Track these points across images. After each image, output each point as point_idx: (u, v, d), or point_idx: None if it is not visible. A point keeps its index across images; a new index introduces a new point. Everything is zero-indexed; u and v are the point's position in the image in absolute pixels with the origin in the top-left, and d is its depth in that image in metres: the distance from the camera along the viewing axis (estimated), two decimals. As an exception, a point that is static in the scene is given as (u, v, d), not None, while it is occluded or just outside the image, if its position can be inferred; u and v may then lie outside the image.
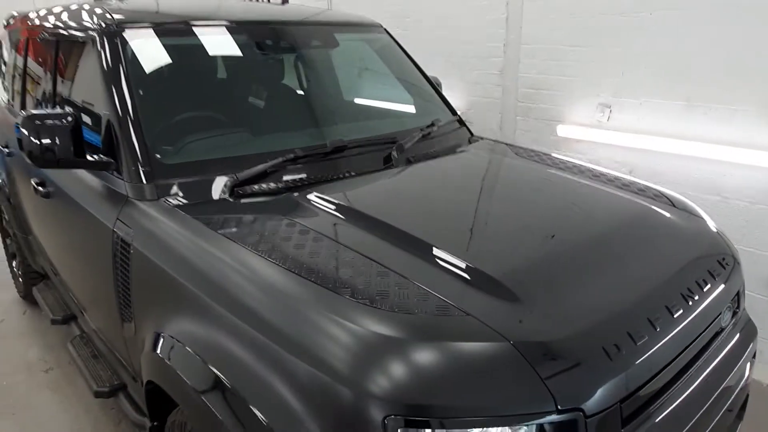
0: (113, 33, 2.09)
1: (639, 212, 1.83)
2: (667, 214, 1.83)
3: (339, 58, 2.73)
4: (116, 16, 2.15)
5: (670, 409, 1.30)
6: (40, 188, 2.47)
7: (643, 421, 1.23)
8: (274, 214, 1.73)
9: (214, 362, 1.33)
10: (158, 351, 1.52)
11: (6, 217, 3.66)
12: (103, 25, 2.12)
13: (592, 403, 1.14)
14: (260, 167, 1.89)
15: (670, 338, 1.33)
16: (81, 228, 2.16)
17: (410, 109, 2.71)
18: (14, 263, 3.87)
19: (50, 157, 1.90)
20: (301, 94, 2.52)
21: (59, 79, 2.55)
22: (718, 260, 1.65)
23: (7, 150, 3.18)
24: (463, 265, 1.38)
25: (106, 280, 1.93)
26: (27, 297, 3.76)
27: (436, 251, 1.46)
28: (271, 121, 2.31)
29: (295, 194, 1.84)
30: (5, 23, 3.90)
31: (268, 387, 1.21)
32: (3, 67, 3.93)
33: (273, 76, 2.51)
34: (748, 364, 1.64)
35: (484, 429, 1.10)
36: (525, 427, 1.11)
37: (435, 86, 2.85)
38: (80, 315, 2.72)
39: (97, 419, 2.68)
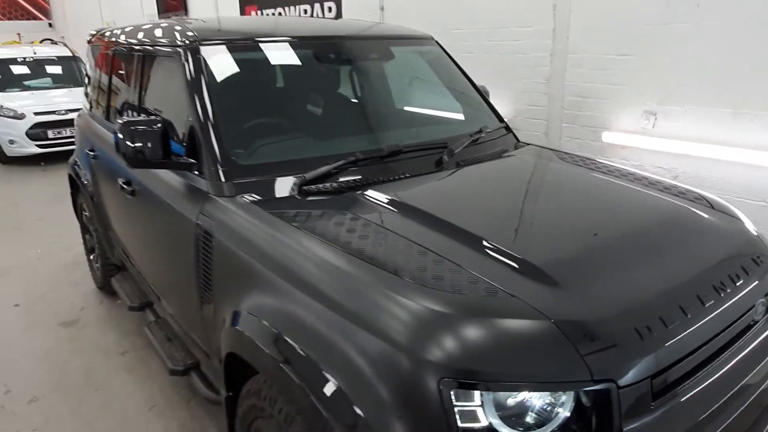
0: (195, 48, 2.36)
1: (677, 211, 1.94)
2: (705, 215, 1.93)
3: (393, 69, 2.93)
4: (198, 34, 2.42)
5: (697, 390, 1.42)
6: (126, 187, 2.77)
7: (671, 398, 1.36)
8: (339, 209, 1.93)
9: (289, 334, 1.54)
10: (238, 326, 1.74)
11: (87, 214, 4.03)
12: (187, 41, 2.39)
13: (624, 377, 1.28)
14: (325, 168, 2.10)
15: (700, 325, 1.45)
16: (164, 221, 2.43)
17: (459, 116, 2.88)
18: (92, 257, 4.25)
19: (141, 159, 2.17)
20: (359, 103, 2.74)
21: (142, 89, 2.85)
22: (753, 258, 1.74)
23: (92, 153, 3.53)
24: (509, 254, 1.55)
25: (188, 268, 2.18)
26: (104, 288, 4.13)
27: (485, 243, 1.63)
28: (332, 127, 2.54)
29: (357, 193, 2.04)
30: (89, 39, 4.30)
31: (337, 354, 1.40)
32: (87, 79, 4.34)
33: (333, 86, 2.74)
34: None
35: (526, 393, 1.26)
36: (563, 394, 1.26)
37: (483, 94, 3.01)
38: (156, 301, 3.01)
39: (170, 397, 2.95)
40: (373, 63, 2.87)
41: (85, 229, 4.29)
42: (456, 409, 1.24)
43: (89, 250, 4.31)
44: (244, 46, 2.51)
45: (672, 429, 1.35)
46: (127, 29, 3.37)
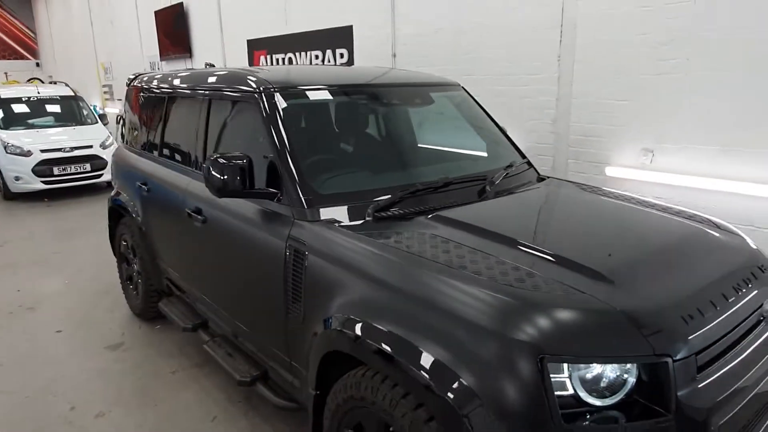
0: (271, 94, 2.73)
1: (693, 230, 2.36)
2: (716, 233, 2.34)
3: (432, 111, 3.34)
4: (273, 81, 2.79)
5: (729, 367, 1.79)
6: (196, 215, 3.07)
7: (709, 373, 1.72)
8: (411, 228, 2.28)
9: (395, 328, 1.86)
10: (340, 327, 2.05)
11: (127, 244, 4.28)
12: (263, 88, 2.76)
13: (676, 352, 1.64)
14: (394, 197, 2.47)
15: (725, 316, 1.83)
16: (243, 244, 2.73)
17: (489, 152, 3.28)
18: (130, 285, 4.47)
19: (228, 189, 2.51)
20: (407, 141, 3.14)
21: (209, 129, 3.19)
22: (758, 266, 2.15)
23: (145, 187, 3.82)
24: (572, 262, 1.92)
25: (272, 284, 2.49)
26: (142, 314, 4.34)
27: (547, 254, 2.00)
28: (388, 162, 2.92)
29: (422, 217, 2.40)
30: (128, 81, 4.64)
31: (445, 341, 1.73)
32: (123, 118, 4.66)
33: (386, 125, 3.13)
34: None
35: (603, 365, 1.61)
36: (632, 366, 1.62)
37: (506, 133, 3.44)
38: (214, 321, 3.28)
39: (228, 410, 3.19)
40: (417, 107, 3.28)
41: (122, 259, 4.52)
42: (551, 380, 1.58)
43: (126, 279, 4.53)
44: (320, 91, 2.90)
45: (710, 397, 1.70)
46: (182, 74, 3.73)
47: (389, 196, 2.47)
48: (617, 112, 3.89)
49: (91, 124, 9.80)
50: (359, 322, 1.98)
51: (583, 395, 1.62)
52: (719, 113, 3.40)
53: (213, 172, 2.52)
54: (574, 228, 2.40)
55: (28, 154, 8.53)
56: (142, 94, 4.25)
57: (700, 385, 1.68)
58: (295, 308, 2.39)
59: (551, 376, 1.59)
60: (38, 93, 9.84)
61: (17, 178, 8.56)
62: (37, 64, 20.15)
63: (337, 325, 2.08)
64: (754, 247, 2.35)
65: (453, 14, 4.86)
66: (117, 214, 4.48)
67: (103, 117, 10.57)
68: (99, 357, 3.86)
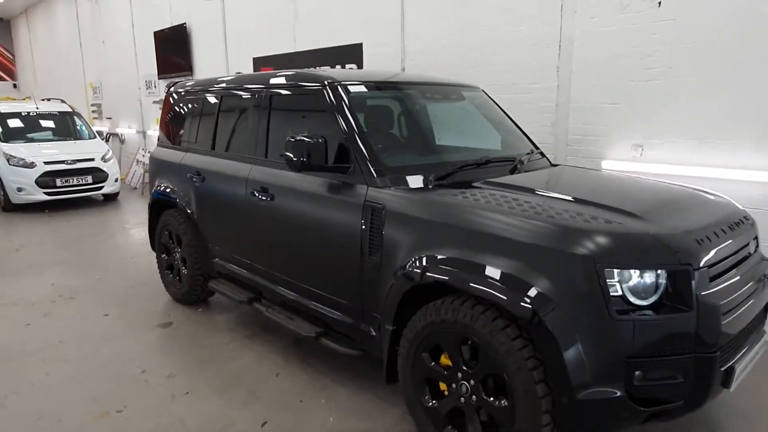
0: (336, 87, 3.24)
1: (693, 192, 2.95)
2: (710, 196, 2.94)
3: (462, 105, 3.90)
4: (337, 77, 3.31)
5: (730, 282, 2.34)
6: (261, 194, 3.52)
7: (718, 282, 2.28)
8: (470, 190, 2.79)
9: (471, 257, 2.36)
10: (423, 265, 2.53)
11: (172, 234, 4.64)
12: (329, 82, 3.27)
13: (695, 263, 2.19)
14: (450, 169, 2.99)
15: (726, 244, 2.40)
16: (316, 211, 3.18)
17: (512, 142, 3.84)
18: (170, 274, 4.81)
19: (307, 165, 2.99)
20: (448, 127, 3.71)
21: (270, 120, 3.65)
22: (743, 217, 2.74)
23: (198, 177, 4.23)
24: (610, 207, 2.47)
25: (347, 242, 2.95)
26: (183, 299, 4.69)
27: (589, 202, 2.54)
28: (435, 144, 3.47)
29: (474, 184, 2.92)
30: (167, 89, 5.06)
31: (515, 262, 2.24)
32: (163, 121, 5.06)
33: (429, 115, 3.69)
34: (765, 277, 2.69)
35: (641, 270, 2.14)
36: (664, 272, 2.15)
37: (521, 129, 4.03)
38: (272, 291, 3.68)
39: (287, 367, 3.58)
40: (453, 101, 3.85)
41: (162, 250, 4.86)
42: (606, 283, 2.11)
43: (166, 268, 4.87)
44: (370, 85, 3.43)
45: (718, 300, 2.24)
46: (235, 77, 4.19)
47: (440, 170, 2.99)
48: (610, 114, 4.53)
49: (90, 138, 10.05)
50: (443, 257, 2.48)
51: (629, 296, 2.15)
52: (697, 112, 4.06)
53: (294, 151, 3.01)
54: (598, 188, 2.97)
55: (31, 165, 8.73)
56: (187, 98, 4.68)
57: (711, 291, 2.23)
58: (371, 259, 2.86)
59: (608, 280, 2.12)
60: (37, 108, 10.05)
61: (20, 189, 8.72)
62: (15, 86, 20.11)
63: (419, 264, 2.56)
64: (739, 206, 2.95)
65: (460, 32, 5.48)
66: (158, 207, 4.86)
67: (100, 133, 10.83)
68: (153, 333, 4.19)
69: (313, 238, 3.25)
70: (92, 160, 9.29)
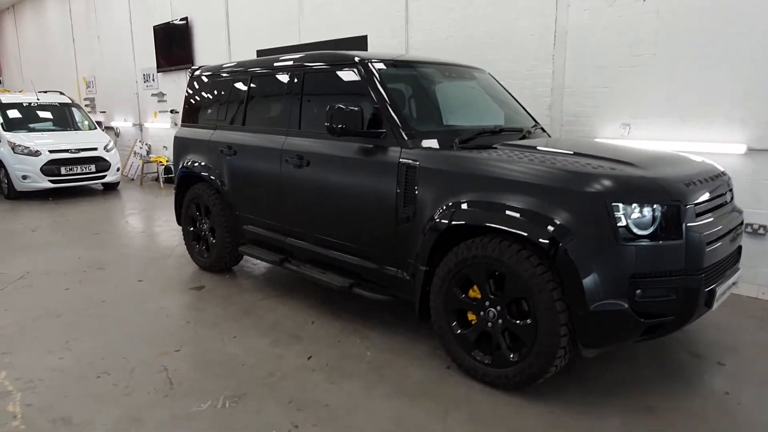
0: (367, 63, 3.67)
1: (676, 153, 3.45)
2: (694, 158, 3.45)
3: (474, 83, 4.36)
4: (367, 56, 3.74)
5: (711, 219, 2.83)
6: (297, 160, 3.92)
7: (702, 219, 2.76)
8: (483, 151, 3.24)
9: (498, 200, 2.81)
10: (450, 209, 2.98)
11: (200, 206, 5.00)
12: (359, 59, 3.70)
13: (684, 201, 2.67)
14: (473, 134, 3.45)
15: (707, 189, 2.89)
16: (353, 172, 3.59)
17: (517, 116, 4.30)
18: (196, 245, 5.17)
19: (346, 131, 3.42)
20: (464, 101, 4.18)
21: (304, 96, 4.06)
22: (720, 172, 3.25)
23: (230, 151, 4.60)
24: (612, 159, 2.94)
25: (383, 197, 3.37)
26: (211, 267, 5.04)
27: (594, 155, 3.01)
28: (456, 114, 3.95)
29: (492, 147, 3.37)
30: (192, 72, 5.41)
31: (537, 201, 2.70)
32: (189, 103, 5.41)
33: (448, 90, 4.16)
34: (741, 225, 3.19)
35: (640, 205, 2.61)
36: (660, 207, 2.63)
37: (523, 107, 4.51)
38: (303, 250, 4.07)
39: (320, 318, 3.98)
40: (466, 80, 4.31)
41: (189, 223, 5.21)
42: (614, 215, 2.58)
43: (192, 240, 5.22)
44: (393, 63, 3.87)
45: (702, 232, 2.71)
46: (266, 58, 4.57)
47: (462, 135, 3.44)
48: (601, 96, 5.04)
49: (91, 129, 10.27)
50: (475, 200, 2.93)
51: (632, 227, 2.62)
52: (678, 94, 4.59)
53: (334, 119, 3.43)
54: (597, 148, 3.44)
55: (36, 154, 8.93)
56: (214, 80, 5.04)
57: (696, 224, 2.72)
58: (406, 210, 3.29)
59: (615, 213, 2.59)
60: (38, 99, 10.24)
61: (25, 177, 8.92)
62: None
63: (452, 210, 3.00)
64: (719, 166, 3.45)
65: (462, 24, 5.95)
66: (185, 183, 5.21)
67: (100, 124, 11.05)
68: (189, 294, 4.55)
69: (349, 197, 3.65)
70: (95, 149, 9.53)
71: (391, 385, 3.04)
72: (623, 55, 4.86)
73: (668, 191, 2.69)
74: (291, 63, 4.24)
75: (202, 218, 5.06)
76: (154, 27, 10.78)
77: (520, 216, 2.76)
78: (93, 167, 9.45)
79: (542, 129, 4.30)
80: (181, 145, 5.37)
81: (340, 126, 3.44)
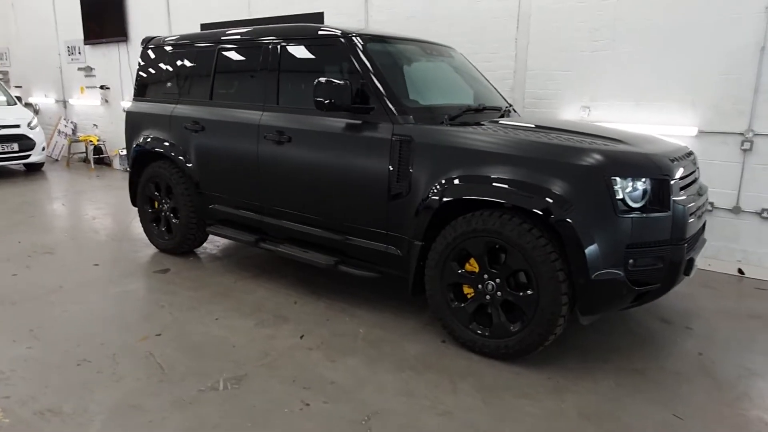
0: (353, 38, 3.60)
1: (652, 134, 3.66)
2: (664, 138, 3.67)
3: (451, 61, 4.39)
4: (349, 30, 3.67)
5: (689, 194, 3.04)
6: (277, 137, 3.80)
7: (684, 193, 2.96)
8: (472, 126, 3.29)
9: (493, 174, 2.88)
10: (448, 184, 3.01)
11: (161, 185, 4.73)
12: (345, 33, 3.63)
13: (671, 176, 2.85)
14: (461, 111, 3.49)
15: (684, 166, 3.10)
16: (341, 147, 3.52)
17: (491, 95, 4.39)
18: (155, 226, 4.90)
19: (334, 106, 3.35)
20: (445, 78, 4.21)
21: (281, 70, 3.93)
22: (690, 151, 3.48)
23: (197, 126, 4.38)
24: (601, 136, 3.08)
25: (374, 173, 3.34)
26: (174, 249, 4.80)
27: (581, 133, 3.14)
28: (441, 91, 3.98)
29: (479, 124, 3.42)
30: (146, 44, 5.08)
31: (536, 173, 2.79)
32: (140, 77, 5.09)
33: (429, 66, 4.16)
34: (706, 200, 3.45)
35: (634, 179, 2.76)
36: (650, 181, 2.79)
37: (494, 87, 4.60)
38: (281, 229, 3.97)
39: (303, 298, 3.90)
40: (445, 58, 4.33)
41: (146, 203, 4.93)
42: (613, 188, 2.70)
43: (151, 221, 4.94)
44: (377, 38, 3.82)
45: (685, 204, 2.89)
46: (236, 30, 4.36)
47: (449, 112, 3.46)
48: (562, 80, 5.23)
49: (11, 105, 9.42)
50: (477, 175, 2.97)
51: (627, 200, 2.76)
52: (634, 79, 4.85)
53: (322, 93, 3.35)
54: (580, 126, 3.58)
55: (-50, 131, 8.10)
56: (173, 52, 4.76)
57: (681, 198, 2.91)
58: (399, 185, 3.28)
59: (613, 187, 2.71)
60: (-54, 71, 9.24)
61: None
62: None
63: (451, 184, 3.03)
64: (689, 147, 3.69)
65: (426, 3, 5.95)
66: (141, 161, 4.92)
67: (19, 99, 10.14)
68: (154, 278, 4.32)
69: (335, 173, 3.58)
70: (18, 126, 8.76)
71: (391, 361, 3.05)
72: (584, 40, 5.07)
73: (659, 166, 2.85)
74: (267, 35, 4.07)
75: (162, 198, 4.80)
76: (80, -5, 9.97)
77: (523, 190, 2.83)
78: (16, 146, 8.68)
79: (514, 109, 4.42)
80: (135, 122, 5.04)
81: (329, 101, 3.36)
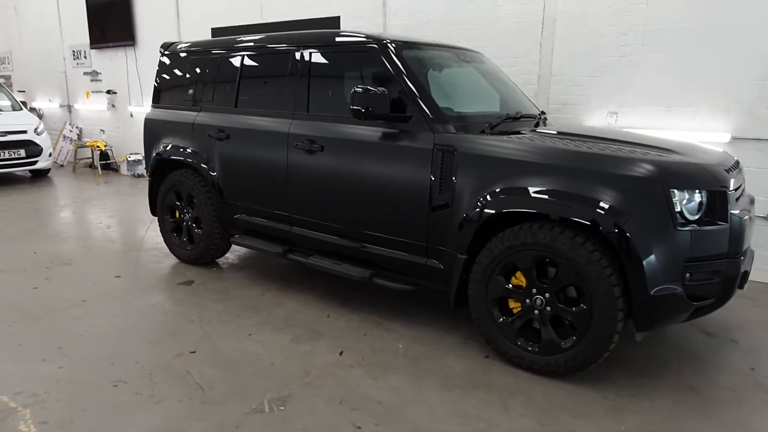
0: (386, 45, 3.51)
1: (698, 143, 3.58)
2: (711, 147, 3.58)
3: (484, 67, 4.30)
4: (383, 36, 3.58)
5: (742, 207, 2.95)
6: (309, 146, 3.69)
7: (739, 205, 2.88)
8: (517, 136, 3.20)
9: (545, 188, 2.78)
10: (497, 196, 2.92)
11: (182, 194, 4.62)
12: (380, 41, 3.53)
13: (729, 187, 2.76)
14: (501, 120, 3.40)
15: (737, 177, 3.02)
16: (377, 156, 3.42)
17: (522, 101, 4.30)
18: (176, 236, 4.79)
19: (372, 114, 3.25)
20: (480, 85, 4.12)
21: (311, 78, 3.83)
22: (737, 161, 3.38)
23: (222, 135, 4.27)
24: (651, 145, 2.99)
25: (415, 183, 3.24)
26: (196, 260, 4.69)
27: (633, 143, 3.05)
28: (478, 98, 3.88)
29: (522, 133, 3.33)
30: (165, 50, 4.98)
31: (593, 185, 2.69)
32: (159, 83, 4.98)
33: (465, 73, 4.07)
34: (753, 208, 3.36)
35: (692, 191, 2.67)
36: (710, 191, 2.70)
37: (522, 92, 4.51)
38: (312, 240, 3.87)
39: (336, 311, 3.80)
40: (479, 64, 4.24)
41: (167, 213, 4.81)
42: (672, 200, 2.61)
43: (171, 231, 4.82)
44: (412, 45, 3.72)
45: (741, 216, 2.82)
46: (265, 37, 4.24)
47: (488, 120, 3.38)
48: (588, 85, 5.15)
49: (17, 110, 9.28)
50: (522, 186, 2.88)
51: (686, 213, 2.67)
52: (664, 84, 4.77)
53: (360, 101, 3.25)
54: (623, 135, 3.49)
55: (-44, 137, 7.96)
56: (194, 59, 4.64)
57: (737, 210, 2.83)
58: (441, 197, 3.18)
59: (673, 199, 2.62)
60: (-49, 76, 9.10)
61: (-58, 164, 7.93)
62: None
63: (501, 195, 2.93)
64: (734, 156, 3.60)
65: (445, 8, 5.86)
66: (162, 169, 4.80)
67: (24, 104, 10.00)
68: (180, 290, 4.20)
69: (372, 183, 3.48)
70: (24, 132, 8.63)
71: (436, 378, 2.95)
72: (612, 45, 4.98)
73: (717, 177, 2.77)
74: (295, 42, 3.97)
75: (183, 207, 4.69)
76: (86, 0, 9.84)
77: (578, 203, 2.74)
78: (23, 152, 8.55)
79: (546, 117, 4.33)
80: (155, 129, 4.93)
81: (366, 110, 3.26)
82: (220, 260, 4.87)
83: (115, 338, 3.37)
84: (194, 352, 3.20)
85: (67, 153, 10.68)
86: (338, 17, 6.74)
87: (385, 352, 3.23)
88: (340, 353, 3.21)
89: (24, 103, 10.07)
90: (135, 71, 9.52)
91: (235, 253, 5.05)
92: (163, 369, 3.00)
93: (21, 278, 4.38)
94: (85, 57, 10.48)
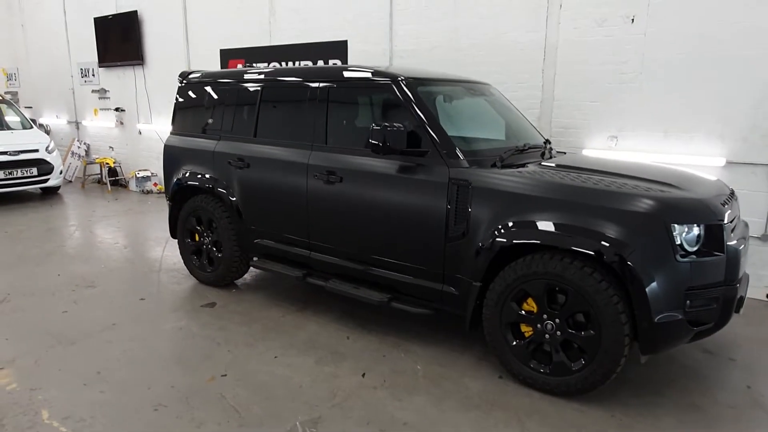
0: (401, 82, 3.73)
1: (695, 173, 3.81)
2: (707, 176, 3.81)
3: (493, 100, 4.53)
4: (400, 73, 3.80)
5: (737, 237, 3.18)
6: (328, 177, 3.91)
7: (734, 235, 3.10)
8: (527, 170, 3.42)
9: (559, 220, 3.00)
10: (509, 229, 3.13)
11: (202, 219, 4.83)
12: (395, 78, 3.75)
13: (725, 220, 2.99)
14: (510, 153, 3.62)
15: (732, 208, 3.24)
16: (394, 189, 3.63)
17: (531, 133, 4.53)
18: (196, 259, 4.99)
19: (389, 149, 3.48)
20: (489, 117, 4.33)
21: (331, 112, 4.04)
22: (731, 190, 3.62)
23: (241, 163, 4.48)
24: (656, 180, 3.22)
25: (430, 214, 3.46)
26: (216, 282, 4.89)
27: (634, 176, 3.28)
28: (486, 132, 4.08)
29: (532, 166, 3.56)
30: (183, 79, 5.18)
31: (592, 220, 2.92)
32: (177, 110, 5.19)
33: (474, 106, 4.29)
34: (747, 233, 3.59)
35: (691, 225, 2.89)
36: (707, 225, 2.93)
37: (530, 121, 4.74)
38: (329, 265, 4.07)
39: (356, 332, 4.00)
40: (488, 96, 4.47)
41: (187, 236, 5.02)
42: (673, 234, 2.84)
43: (191, 253, 5.03)
44: (428, 81, 3.95)
45: (736, 248, 3.04)
46: (282, 69, 4.47)
47: (498, 153, 3.60)
48: (589, 110, 5.39)
49: (26, 128, 9.47)
50: (535, 221, 3.09)
51: (685, 245, 2.90)
52: (662, 110, 5.02)
53: (378, 137, 3.48)
54: (626, 167, 3.70)
55: (-30, 157, 8.14)
56: (218, 86, 4.85)
57: (733, 241, 3.05)
58: (457, 228, 3.40)
59: (673, 233, 2.85)
60: (-37, 97, 9.29)
61: (-43, 183, 8.11)
62: None
63: (514, 228, 3.15)
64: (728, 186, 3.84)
65: (450, 35, 6.10)
66: (182, 194, 5.01)
67: (34, 121, 10.19)
68: (204, 312, 4.40)
69: (390, 214, 3.69)
70: (36, 151, 8.82)
71: (456, 399, 3.16)
72: (611, 72, 5.23)
73: (714, 212, 3.00)
74: (315, 76, 4.19)
75: (204, 231, 4.89)
76: (95, 19, 10.05)
77: (583, 236, 2.96)
78: (35, 170, 8.75)
79: (551, 145, 4.55)
80: (174, 156, 5.14)
81: (384, 144, 3.49)
82: (238, 281, 5.06)
83: (148, 362, 3.57)
84: (225, 375, 3.40)
85: (76, 169, 10.88)
86: (345, 41, 6.98)
87: (405, 374, 3.44)
88: (363, 375, 3.41)
89: (33, 120, 10.27)
90: (144, 90, 9.74)
91: (252, 273, 5.25)
92: (199, 392, 3.19)
93: (51, 302, 4.57)
94: (93, 75, 10.70)
